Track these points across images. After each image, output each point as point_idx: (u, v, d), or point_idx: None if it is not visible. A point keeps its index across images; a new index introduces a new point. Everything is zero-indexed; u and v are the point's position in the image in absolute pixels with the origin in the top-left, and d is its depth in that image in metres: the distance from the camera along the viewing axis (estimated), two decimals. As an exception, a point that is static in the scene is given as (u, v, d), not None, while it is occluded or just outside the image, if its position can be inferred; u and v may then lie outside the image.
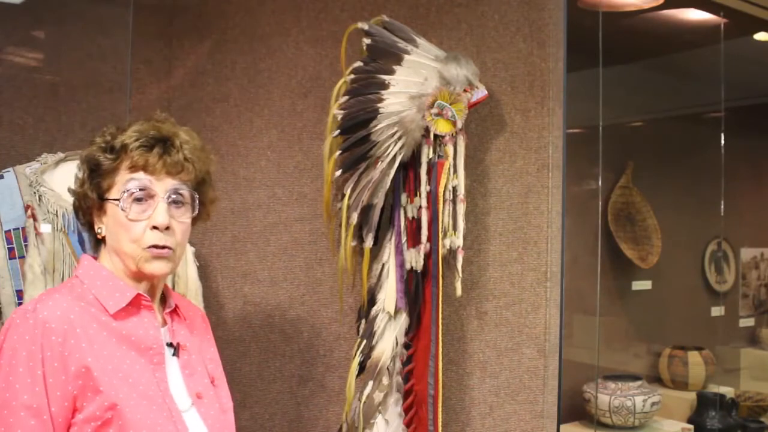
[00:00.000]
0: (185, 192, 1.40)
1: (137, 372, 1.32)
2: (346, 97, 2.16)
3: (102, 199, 1.38)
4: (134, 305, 1.37)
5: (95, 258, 1.43)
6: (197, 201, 1.43)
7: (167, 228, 1.36)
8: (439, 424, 2.12)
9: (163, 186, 1.37)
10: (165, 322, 1.44)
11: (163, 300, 1.48)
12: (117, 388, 1.28)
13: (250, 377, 2.54)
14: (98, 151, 1.38)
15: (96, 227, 1.41)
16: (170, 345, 1.41)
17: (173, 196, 1.39)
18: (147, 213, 1.36)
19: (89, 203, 1.40)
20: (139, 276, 1.39)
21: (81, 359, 1.27)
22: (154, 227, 1.35)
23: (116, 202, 1.36)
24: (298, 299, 2.51)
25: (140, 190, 1.35)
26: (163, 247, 1.36)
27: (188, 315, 1.52)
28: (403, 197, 2.19)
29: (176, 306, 1.48)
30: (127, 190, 1.35)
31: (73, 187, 1.43)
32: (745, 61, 3.52)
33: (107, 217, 1.38)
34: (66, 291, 1.35)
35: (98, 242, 1.44)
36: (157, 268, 1.37)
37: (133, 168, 1.36)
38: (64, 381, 1.25)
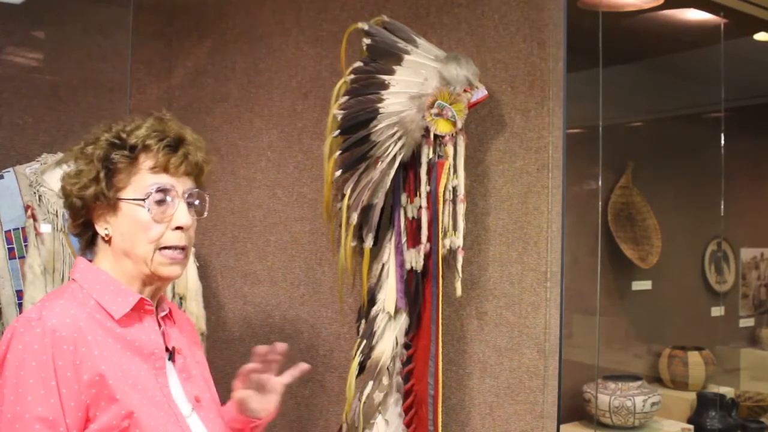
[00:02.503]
0: (197, 192, 1.41)
1: (143, 378, 1.31)
2: (346, 97, 2.16)
3: (118, 199, 1.34)
4: (137, 310, 1.36)
5: (90, 261, 1.40)
6: (207, 202, 1.43)
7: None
8: (439, 424, 2.12)
9: (181, 187, 1.37)
10: (159, 326, 1.42)
11: (157, 304, 1.46)
12: (130, 396, 1.26)
13: (250, 377, 2.54)
14: (112, 149, 1.34)
15: (102, 228, 1.36)
16: (166, 349, 1.40)
17: (189, 198, 1.38)
18: (167, 213, 1.34)
19: (101, 202, 1.34)
20: (151, 279, 1.37)
21: (94, 367, 1.24)
22: (177, 228, 1.35)
23: (139, 202, 1.33)
24: (298, 299, 2.51)
25: (164, 191, 1.34)
26: (182, 249, 1.36)
27: (177, 318, 1.51)
28: (403, 197, 2.19)
29: (170, 310, 1.48)
30: (153, 192, 1.33)
31: (70, 185, 1.36)
32: (745, 61, 3.52)
33: (120, 217, 1.34)
34: (69, 296, 1.32)
35: (91, 244, 1.40)
36: (174, 271, 1.37)
37: (156, 168, 1.34)
38: (77, 390, 1.22)
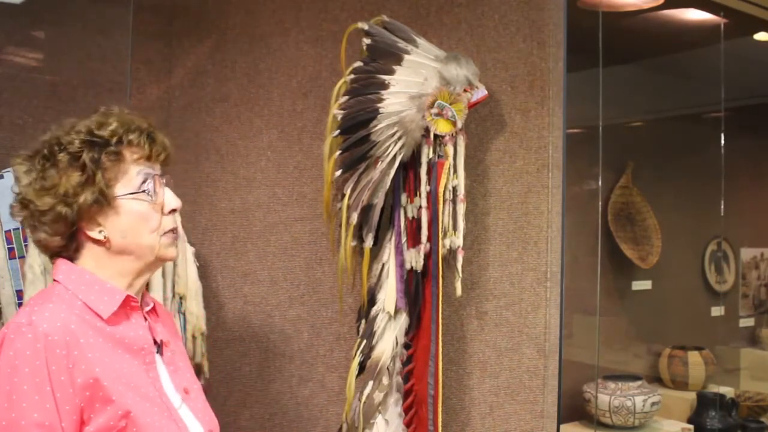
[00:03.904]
0: (169, 177, 1.44)
1: (136, 375, 1.31)
2: (346, 97, 2.16)
3: (114, 197, 1.33)
4: (123, 307, 1.36)
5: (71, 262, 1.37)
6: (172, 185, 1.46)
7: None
8: (439, 424, 2.12)
9: (158, 173, 1.41)
10: (145, 320, 1.43)
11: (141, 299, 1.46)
12: (125, 395, 1.26)
13: (250, 377, 2.54)
14: (96, 150, 1.33)
15: (96, 231, 1.34)
16: (155, 342, 1.40)
17: (168, 183, 1.42)
18: (159, 201, 1.38)
19: (98, 205, 1.32)
20: (151, 267, 1.40)
21: (88, 370, 1.24)
22: (172, 210, 1.39)
23: (137, 195, 1.35)
24: (298, 299, 2.51)
25: (153, 179, 1.37)
26: (175, 230, 1.41)
27: (159, 311, 1.52)
28: (403, 197, 2.19)
29: (153, 305, 1.48)
30: (149, 181, 1.36)
31: (52, 197, 1.31)
32: (745, 61, 3.53)
33: (117, 215, 1.34)
34: (57, 300, 1.30)
35: (77, 248, 1.37)
36: (174, 252, 1.41)
37: (140, 159, 1.37)
38: (72, 394, 1.22)
